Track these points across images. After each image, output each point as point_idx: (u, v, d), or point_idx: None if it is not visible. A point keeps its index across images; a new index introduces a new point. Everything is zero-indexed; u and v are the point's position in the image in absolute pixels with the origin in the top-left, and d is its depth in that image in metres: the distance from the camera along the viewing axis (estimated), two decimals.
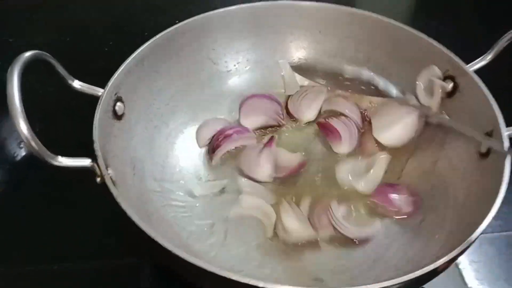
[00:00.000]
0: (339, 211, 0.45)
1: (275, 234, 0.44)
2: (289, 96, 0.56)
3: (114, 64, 0.46)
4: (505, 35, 0.47)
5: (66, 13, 0.78)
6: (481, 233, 0.35)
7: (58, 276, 0.45)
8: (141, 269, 0.45)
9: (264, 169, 0.48)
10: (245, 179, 0.48)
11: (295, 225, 0.44)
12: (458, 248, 0.33)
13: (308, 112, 0.55)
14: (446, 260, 0.33)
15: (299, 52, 0.58)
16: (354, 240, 0.44)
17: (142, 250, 0.44)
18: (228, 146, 0.51)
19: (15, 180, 0.53)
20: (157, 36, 0.50)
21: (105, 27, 0.75)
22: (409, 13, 0.83)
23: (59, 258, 0.46)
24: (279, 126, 0.54)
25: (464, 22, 0.79)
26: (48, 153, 0.35)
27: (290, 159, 0.50)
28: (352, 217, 0.46)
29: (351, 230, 0.44)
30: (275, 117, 0.53)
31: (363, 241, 0.44)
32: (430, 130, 0.50)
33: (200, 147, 0.53)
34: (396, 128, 0.50)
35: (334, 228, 0.44)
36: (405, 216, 0.45)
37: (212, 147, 0.51)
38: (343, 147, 0.51)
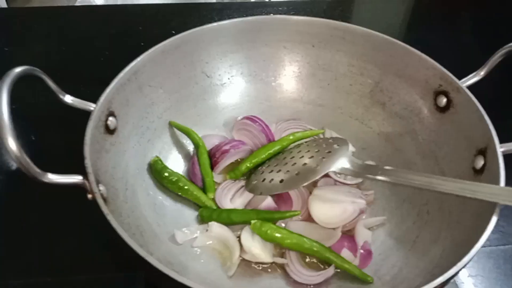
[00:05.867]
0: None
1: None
2: None
3: (110, 75, 0.46)
4: (499, 50, 0.47)
5: (63, 23, 0.78)
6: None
7: None
8: (134, 283, 0.44)
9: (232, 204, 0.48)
10: None
11: (253, 246, 0.43)
12: (454, 268, 0.33)
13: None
14: (443, 281, 0.32)
15: (292, 66, 0.58)
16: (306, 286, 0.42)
17: (135, 264, 0.43)
18: (226, 162, 0.51)
19: (8, 192, 0.52)
20: (150, 50, 0.50)
21: (102, 38, 0.74)
22: (404, 27, 0.84)
23: (52, 271, 0.45)
24: None
25: (459, 37, 0.80)
26: (37, 170, 0.34)
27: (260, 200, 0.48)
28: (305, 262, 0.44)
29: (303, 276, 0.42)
30: (258, 146, 0.52)
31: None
32: (423, 146, 0.50)
33: None
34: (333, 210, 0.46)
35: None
36: None
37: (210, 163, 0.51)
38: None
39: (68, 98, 0.44)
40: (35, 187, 0.48)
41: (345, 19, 0.56)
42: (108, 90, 0.45)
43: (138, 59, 0.49)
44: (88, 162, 0.38)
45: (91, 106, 0.43)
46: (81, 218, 0.48)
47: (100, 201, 0.36)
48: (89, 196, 0.37)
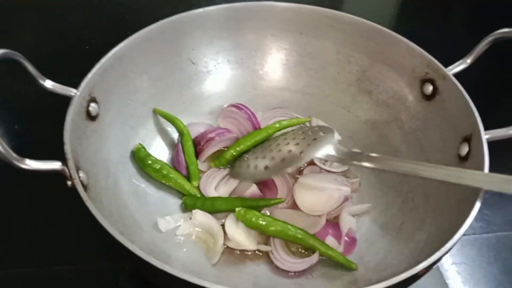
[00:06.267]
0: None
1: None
2: None
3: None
4: (485, 38, 0.47)
5: (50, 12, 0.76)
6: (462, 235, 0.35)
7: (35, 280, 0.44)
8: (119, 274, 0.44)
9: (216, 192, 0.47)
10: None
11: (237, 233, 0.42)
12: (437, 253, 0.33)
13: None
14: (426, 266, 0.32)
15: (280, 54, 0.57)
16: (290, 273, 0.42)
17: (119, 254, 0.43)
18: (211, 150, 0.50)
19: None
20: (135, 35, 0.49)
21: (89, 26, 0.73)
22: (394, 16, 0.83)
23: (36, 262, 0.45)
24: None
25: (449, 26, 0.80)
26: (15, 155, 0.34)
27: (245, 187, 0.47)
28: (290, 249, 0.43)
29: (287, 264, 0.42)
30: (244, 134, 0.52)
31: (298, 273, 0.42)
32: (409, 134, 0.50)
33: None
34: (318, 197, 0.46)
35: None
36: None
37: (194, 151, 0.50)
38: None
39: (49, 83, 0.42)
40: (21, 177, 0.47)
41: (335, 9, 0.55)
42: (89, 75, 0.44)
43: (122, 44, 0.48)
44: (67, 148, 0.37)
45: (72, 91, 0.42)
46: (67, 208, 0.47)
47: (79, 188, 0.35)
48: (69, 183, 0.36)
